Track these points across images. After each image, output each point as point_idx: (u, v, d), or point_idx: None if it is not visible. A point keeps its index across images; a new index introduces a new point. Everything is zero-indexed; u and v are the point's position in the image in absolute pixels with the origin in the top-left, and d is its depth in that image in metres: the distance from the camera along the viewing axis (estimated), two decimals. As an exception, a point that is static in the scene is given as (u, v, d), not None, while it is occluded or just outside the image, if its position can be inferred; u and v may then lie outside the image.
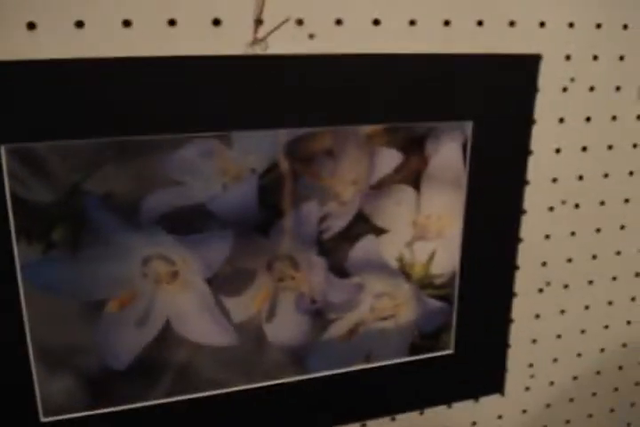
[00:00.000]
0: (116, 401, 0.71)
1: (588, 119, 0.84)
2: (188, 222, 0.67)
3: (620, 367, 0.99)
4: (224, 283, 0.71)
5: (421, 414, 0.88)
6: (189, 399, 0.73)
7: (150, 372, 0.71)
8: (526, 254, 0.85)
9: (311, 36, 0.68)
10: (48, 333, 0.66)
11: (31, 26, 0.59)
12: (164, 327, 0.70)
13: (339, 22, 0.69)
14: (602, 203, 0.88)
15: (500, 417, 0.94)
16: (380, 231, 0.75)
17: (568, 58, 0.80)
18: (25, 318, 0.65)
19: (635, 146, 0.87)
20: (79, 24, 0.60)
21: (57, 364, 0.67)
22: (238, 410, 0.76)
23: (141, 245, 0.66)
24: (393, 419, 0.87)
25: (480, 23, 0.75)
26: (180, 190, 0.66)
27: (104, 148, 0.63)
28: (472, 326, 0.84)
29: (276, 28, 0.65)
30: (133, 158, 0.64)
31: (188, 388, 0.73)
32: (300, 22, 0.67)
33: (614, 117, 0.85)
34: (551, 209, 0.85)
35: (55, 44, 0.60)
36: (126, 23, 0.62)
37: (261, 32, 0.66)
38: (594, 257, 0.91)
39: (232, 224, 0.69)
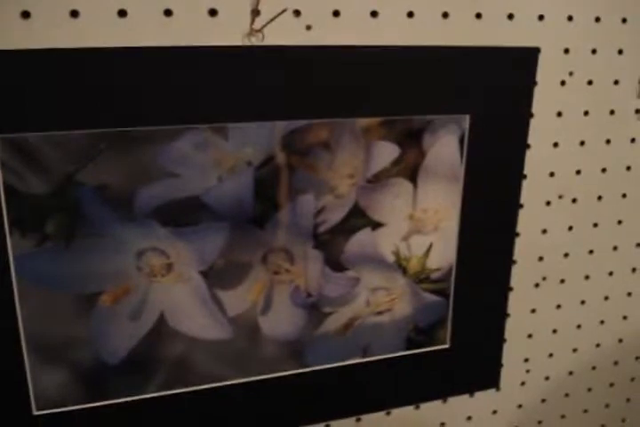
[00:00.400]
0: (109, 395, 0.70)
1: (586, 113, 0.83)
2: (183, 215, 0.67)
3: (616, 363, 0.99)
4: (219, 276, 0.70)
5: (417, 408, 0.88)
6: (184, 393, 0.73)
7: (144, 366, 0.70)
8: (523, 249, 0.85)
9: (308, 28, 0.68)
10: (41, 325, 0.65)
11: (25, 14, 0.58)
12: (159, 321, 0.69)
13: (336, 13, 0.68)
14: (599, 198, 0.88)
15: (495, 412, 0.94)
16: (376, 225, 0.75)
17: (567, 51, 0.80)
18: (18, 311, 0.64)
19: (633, 140, 0.87)
20: (74, 13, 0.60)
21: (50, 357, 0.67)
22: (233, 404, 0.76)
23: (135, 237, 0.66)
24: (388, 413, 0.87)
25: (479, 16, 0.74)
26: (174, 182, 0.65)
27: (98, 139, 0.62)
28: (468, 321, 0.83)
29: (273, 19, 0.65)
30: (128, 150, 0.63)
31: (182, 382, 0.72)
32: (297, 13, 0.67)
33: (612, 112, 0.85)
34: (548, 204, 0.85)
35: (49, 34, 0.60)
36: (122, 13, 0.61)
37: (258, 23, 0.65)
38: (590, 252, 0.91)
39: (227, 217, 0.68)
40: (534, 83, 0.78)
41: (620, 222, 0.91)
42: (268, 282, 0.73)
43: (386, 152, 0.73)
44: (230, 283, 0.71)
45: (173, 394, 0.72)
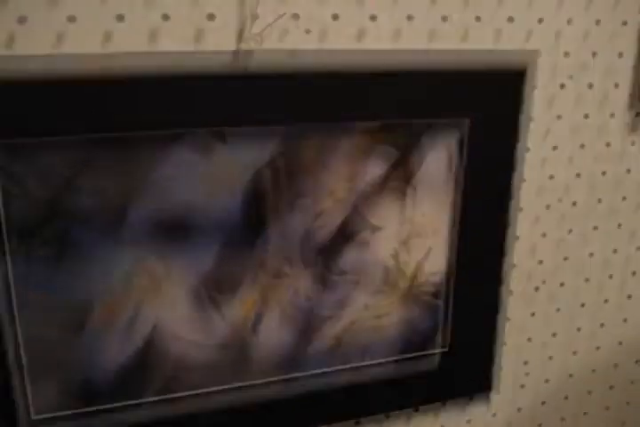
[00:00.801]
0: (102, 406, 0.70)
1: (587, 116, 0.83)
2: (175, 228, 0.67)
3: (616, 365, 0.99)
4: (213, 286, 0.70)
5: (416, 411, 0.88)
6: (176, 404, 0.73)
7: (136, 379, 0.70)
8: (523, 253, 0.85)
9: (307, 32, 0.67)
10: (36, 336, 0.65)
11: (22, 19, 0.58)
12: (150, 336, 0.69)
13: (335, 17, 0.68)
14: (599, 201, 0.88)
15: (494, 415, 0.93)
16: (374, 229, 0.75)
17: (567, 54, 0.79)
18: (17, 320, 0.64)
19: (633, 143, 0.87)
20: (71, 19, 0.60)
21: (44, 370, 0.66)
22: (228, 412, 0.76)
23: (128, 253, 0.66)
24: (387, 416, 0.86)
25: (478, 19, 0.74)
26: (167, 196, 0.65)
27: (94, 147, 0.62)
28: (466, 325, 0.83)
29: (271, 24, 0.65)
30: (123, 162, 0.63)
31: (174, 393, 0.72)
32: (295, 17, 0.66)
33: (612, 115, 0.84)
34: (548, 207, 0.85)
35: (46, 39, 0.59)
36: (119, 18, 0.61)
37: (256, 27, 0.65)
38: (590, 255, 0.90)
39: (222, 227, 0.68)
40: (534, 86, 0.77)
41: (619, 226, 0.90)
42: (264, 288, 0.72)
43: (385, 157, 0.73)
44: (224, 293, 0.71)
45: (165, 405, 0.72)
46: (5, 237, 0.62)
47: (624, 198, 0.89)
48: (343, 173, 0.71)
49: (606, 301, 0.94)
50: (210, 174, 0.66)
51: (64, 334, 0.66)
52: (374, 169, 0.72)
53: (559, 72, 0.80)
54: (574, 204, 0.86)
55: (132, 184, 0.64)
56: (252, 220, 0.69)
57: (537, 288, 0.88)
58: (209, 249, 0.69)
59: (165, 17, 0.62)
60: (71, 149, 0.61)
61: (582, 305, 0.92)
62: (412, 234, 0.77)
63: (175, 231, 0.67)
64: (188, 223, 0.67)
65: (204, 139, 0.65)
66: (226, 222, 0.68)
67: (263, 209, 0.70)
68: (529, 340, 0.91)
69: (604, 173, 0.87)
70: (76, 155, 0.62)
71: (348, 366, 0.80)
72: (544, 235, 0.86)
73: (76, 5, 0.59)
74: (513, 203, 0.81)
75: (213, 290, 0.70)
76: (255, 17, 0.65)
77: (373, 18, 0.69)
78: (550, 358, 0.94)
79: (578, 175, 0.85)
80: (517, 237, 0.84)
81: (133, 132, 0.63)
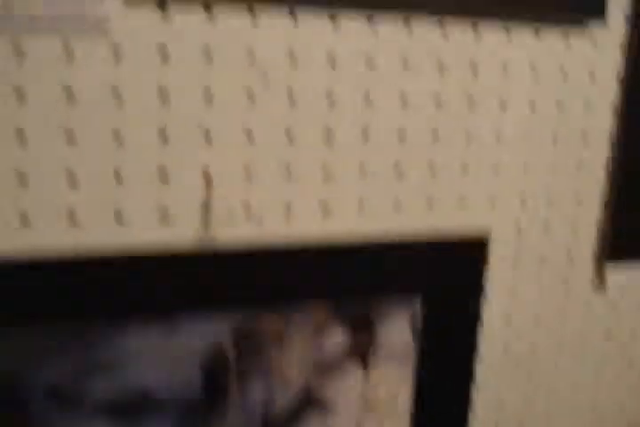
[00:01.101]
0: None
1: (540, 289, 0.84)
2: (131, 408, 0.66)
3: None
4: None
5: None
6: None
7: None
8: (480, 421, 0.85)
9: (259, 221, 0.69)
10: None
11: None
12: None
13: (287, 208, 0.69)
14: (555, 366, 0.88)
15: None
16: (327, 408, 0.75)
17: (519, 231, 0.81)
18: None
19: (586, 314, 0.88)
20: (24, 218, 0.61)
21: None
22: None
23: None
24: None
25: (430, 198, 0.76)
26: (122, 377, 0.65)
27: (46, 335, 0.62)
28: None
29: (224, 218, 0.66)
30: (76, 347, 0.63)
31: None
32: (247, 208, 0.68)
33: (566, 282, 0.86)
34: (504, 378, 0.85)
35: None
36: (71, 213, 0.62)
37: (209, 220, 0.66)
38: (546, 419, 0.90)
39: (176, 407, 0.68)
40: (485, 265, 0.79)
41: (575, 387, 0.90)
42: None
43: (336, 337, 0.73)
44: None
45: None
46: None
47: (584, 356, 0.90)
48: (295, 355, 0.72)
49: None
50: (167, 352, 0.67)
51: None
52: (326, 350, 0.73)
53: (511, 248, 0.81)
54: (529, 374, 0.86)
55: (88, 364, 0.64)
56: (210, 394, 0.69)
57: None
58: (166, 424, 0.68)
59: (118, 215, 0.63)
60: (20, 342, 0.62)
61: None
62: (366, 412, 0.77)
63: (132, 408, 0.67)
64: (145, 400, 0.67)
65: (161, 320, 0.66)
66: (183, 397, 0.68)
67: (221, 383, 0.70)
68: None
69: (559, 346, 0.87)
70: (25, 348, 0.62)
71: None
72: (500, 405, 0.86)
73: (29, 205, 0.61)
74: (472, 376, 0.82)
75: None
76: (208, 210, 0.66)
77: (326, 204, 0.71)
78: None
79: (533, 347, 0.86)
80: (474, 410, 0.83)
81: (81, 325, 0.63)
